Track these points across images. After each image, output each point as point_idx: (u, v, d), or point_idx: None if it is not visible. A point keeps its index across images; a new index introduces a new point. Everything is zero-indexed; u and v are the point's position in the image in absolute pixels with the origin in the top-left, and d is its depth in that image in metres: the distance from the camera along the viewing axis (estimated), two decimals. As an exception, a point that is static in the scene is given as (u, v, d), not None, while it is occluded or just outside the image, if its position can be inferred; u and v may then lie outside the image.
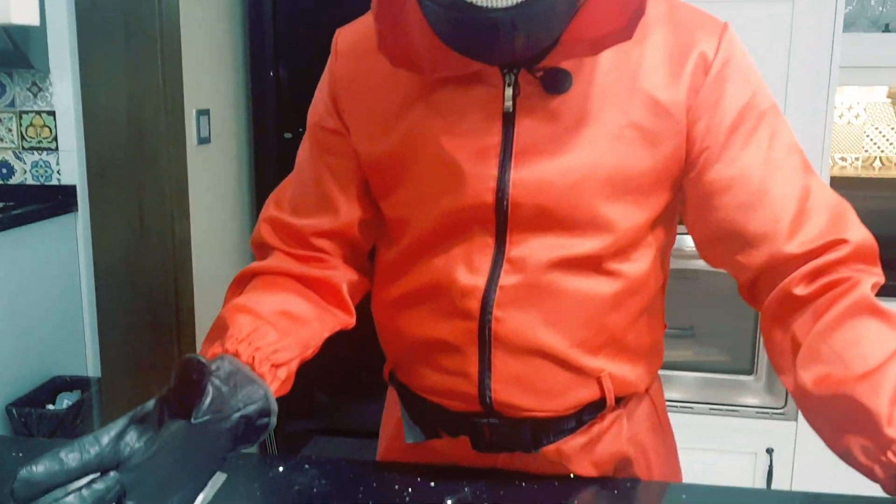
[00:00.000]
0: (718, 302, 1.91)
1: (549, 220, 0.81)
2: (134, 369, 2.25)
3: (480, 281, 0.83)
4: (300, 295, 0.86)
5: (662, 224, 0.87)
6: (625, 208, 0.81)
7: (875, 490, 0.74)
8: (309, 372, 0.85)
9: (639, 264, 0.85)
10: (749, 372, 1.94)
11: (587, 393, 0.87)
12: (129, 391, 2.26)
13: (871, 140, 2.22)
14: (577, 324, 0.84)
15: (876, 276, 0.79)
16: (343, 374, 2.72)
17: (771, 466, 1.91)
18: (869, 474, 0.71)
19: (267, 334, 0.77)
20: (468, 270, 0.83)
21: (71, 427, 2.22)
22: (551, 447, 0.89)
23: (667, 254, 0.91)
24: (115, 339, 2.29)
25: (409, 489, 0.87)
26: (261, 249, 0.93)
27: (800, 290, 0.78)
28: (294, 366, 0.79)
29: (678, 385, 1.97)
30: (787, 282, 0.79)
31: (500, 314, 0.83)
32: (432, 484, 0.88)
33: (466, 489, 0.87)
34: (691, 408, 1.97)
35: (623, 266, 0.84)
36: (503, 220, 0.82)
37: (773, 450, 1.93)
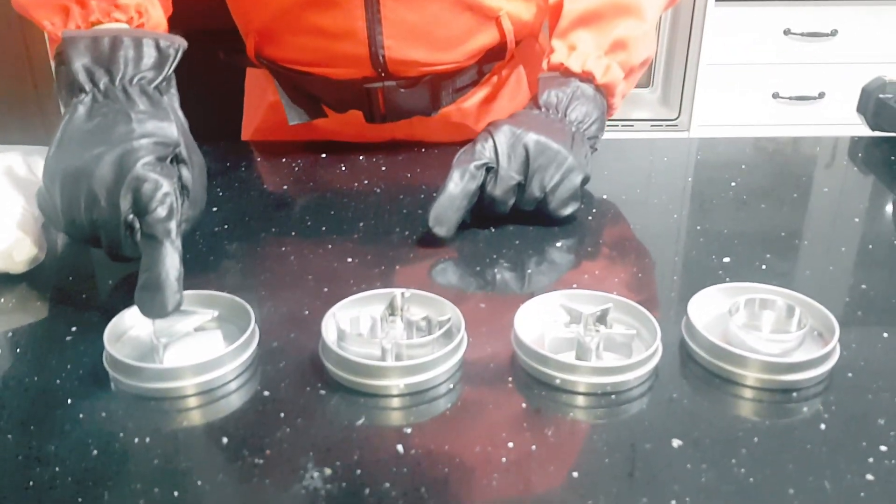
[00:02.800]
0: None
1: None
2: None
3: None
4: None
5: None
6: None
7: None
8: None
9: None
10: (645, 85, 1.91)
11: (487, 37, 0.78)
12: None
13: None
14: None
15: None
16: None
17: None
18: None
19: (150, 9, 0.63)
20: None
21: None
22: (451, 107, 0.82)
23: None
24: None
25: (299, 161, 0.80)
26: None
27: None
28: None
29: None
30: None
31: None
32: (324, 155, 0.81)
33: (361, 157, 0.80)
34: (588, 126, 1.95)
35: None
36: None
37: (666, 161, 1.96)
